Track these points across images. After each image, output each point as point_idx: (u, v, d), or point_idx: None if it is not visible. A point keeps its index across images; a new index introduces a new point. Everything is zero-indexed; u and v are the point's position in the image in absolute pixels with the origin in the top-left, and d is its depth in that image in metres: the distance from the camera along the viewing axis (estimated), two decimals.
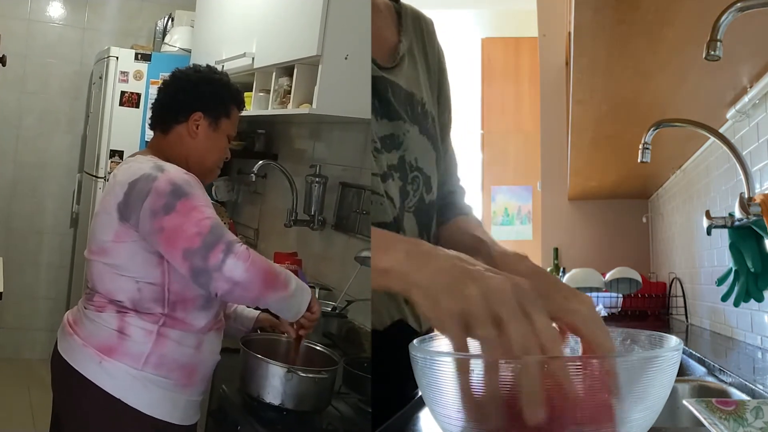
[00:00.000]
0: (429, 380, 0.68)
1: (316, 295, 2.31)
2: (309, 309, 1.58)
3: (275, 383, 1.59)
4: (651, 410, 0.66)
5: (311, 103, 2.34)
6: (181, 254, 1.44)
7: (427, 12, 1.39)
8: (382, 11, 1.28)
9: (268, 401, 1.60)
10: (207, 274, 1.42)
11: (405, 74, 1.24)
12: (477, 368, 0.64)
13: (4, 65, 2.25)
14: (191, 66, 1.81)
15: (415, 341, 0.74)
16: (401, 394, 1.18)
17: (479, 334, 0.67)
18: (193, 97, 1.71)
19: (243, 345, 1.68)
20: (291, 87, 2.51)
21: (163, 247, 1.48)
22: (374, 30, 1.24)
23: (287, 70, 2.58)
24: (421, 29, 1.33)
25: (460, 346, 0.68)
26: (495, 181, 5.91)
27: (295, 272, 2.62)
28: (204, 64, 1.86)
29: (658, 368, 0.64)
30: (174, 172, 1.53)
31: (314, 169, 2.71)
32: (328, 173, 2.70)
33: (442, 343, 0.79)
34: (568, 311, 0.74)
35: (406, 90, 1.23)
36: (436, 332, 0.83)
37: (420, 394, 1.18)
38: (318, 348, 1.81)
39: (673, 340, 0.70)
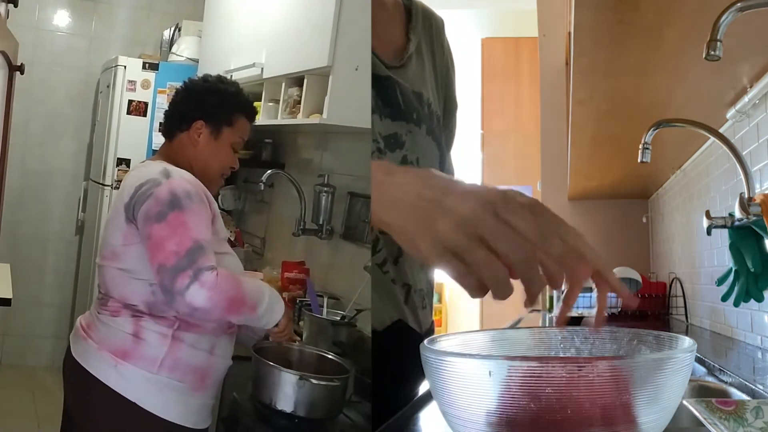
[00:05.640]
0: (441, 381, 0.67)
1: (325, 304, 2.30)
2: (277, 325, 1.63)
3: (287, 390, 1.60)
4: (664, 412, 0.65)
5: (321, 113, 2.34)
6: (156, 267, 1.48)
7: None
8: (389, 8, 1.25)
9: (280, 408, 1.61)
10: (171, 295, 1.47)
11: (412, 74, 1.22)
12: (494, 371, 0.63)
13: (22, 73, 2.28)
14: (202, 76, 1.87)
15: (426, 341, 0.73)
16: (401, 394, 1.18)
17: (468, 259, 0.66)
18: (195, 106, 1.77)
19: (255, 352, 1.69)
20: (301, 97, 2.51)
21: (147, 253, 1.52)
22: (381, 27, 1.21)
23: (297, 80, 2.58)
24: (430, 27, 1.30)
25: (462, 271, 0.67)
26: (495, 181, 5.90)
27: (303, 281, 2.63)
28: (215, 75, 1.89)
29: (671, 370, 0.64)
30: (178, 180, 1.56)
31: (322, 178, 2.70)
32: (336, 183, 2.68)
33: (450, 343, 0.78)
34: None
35: (413, 90, 1.22)
36: (440, 333, 0.82)
37: (420, 394, 1.18)
38: (329, 356, 1.82)
39: (687, 341, 0.70)
